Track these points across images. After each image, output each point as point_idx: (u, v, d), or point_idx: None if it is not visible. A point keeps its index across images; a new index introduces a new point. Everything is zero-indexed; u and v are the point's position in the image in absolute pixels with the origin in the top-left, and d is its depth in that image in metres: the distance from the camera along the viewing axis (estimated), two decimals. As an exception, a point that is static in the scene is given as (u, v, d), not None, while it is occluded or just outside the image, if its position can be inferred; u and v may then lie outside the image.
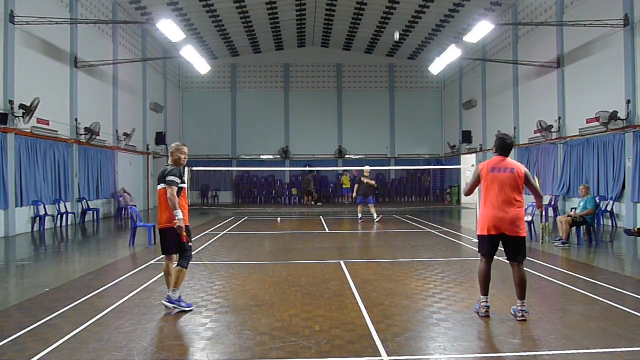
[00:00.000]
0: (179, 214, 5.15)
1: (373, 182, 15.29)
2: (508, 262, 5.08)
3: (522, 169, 5.02)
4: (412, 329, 4.64)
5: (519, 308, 4.87)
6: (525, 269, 4.77)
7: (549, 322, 4.85)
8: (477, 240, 5.18)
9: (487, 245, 5.01)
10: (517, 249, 4.95)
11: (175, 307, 5.15)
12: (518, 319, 4.83)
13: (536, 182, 5.16)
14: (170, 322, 4.91)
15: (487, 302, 5.03)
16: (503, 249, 5.05)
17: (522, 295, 4.90)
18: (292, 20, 24.45)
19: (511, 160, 5.09)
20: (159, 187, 5.39)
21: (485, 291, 5.03)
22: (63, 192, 15.06)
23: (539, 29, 17.81)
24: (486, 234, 4.97)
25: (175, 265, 5.33)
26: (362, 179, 15.04)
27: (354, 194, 15.62)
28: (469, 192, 5.27)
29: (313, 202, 26.01)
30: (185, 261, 5.31)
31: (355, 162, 28.27)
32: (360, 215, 15.40)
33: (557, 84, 16.58)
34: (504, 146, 5.10)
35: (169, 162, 5.53)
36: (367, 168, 15.29)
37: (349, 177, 24.82)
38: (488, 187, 4.97)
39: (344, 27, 25.22)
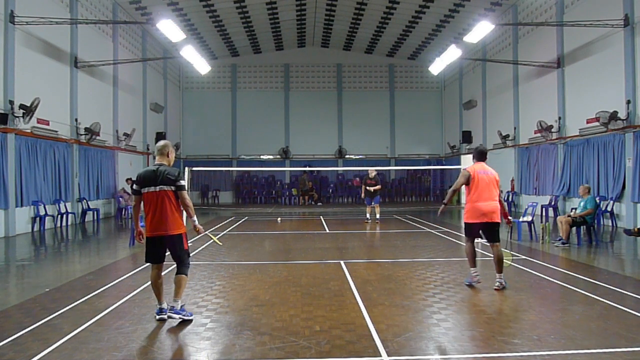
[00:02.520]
0: (196, 219, 5.05)
1: (378, 187, 15.04)
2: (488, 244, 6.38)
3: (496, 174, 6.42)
4: (412, 329, 4.64)
5: (497, 279, 6.12)
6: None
7: (549, 322, 4.86)
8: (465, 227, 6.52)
9: (475, 230, 6.36)
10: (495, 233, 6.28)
11: (180, 317, 4.86)
12: (495, 287, 6.06)
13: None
14: (170, 322, 4.90)
15: (477, 272, 6.29)
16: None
17: (499, 270, 6.14)
18: (292, 20, 24.45)
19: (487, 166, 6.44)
20: (162, 188, 4.86)
21: (473, 263, 6.35)
22: (63, 192, 15.05)
23: (539, 29, 17.80)
24: (477, 221, 6.22)
25: (177, 273, 5.00)
26: (368, 180, 14.98)
27: (362, 195, 15.45)
28: (454, 190, 6.48)
29: (313, 202, 26.03)
30: (187, 268, 5.05)
31: (355, 162, 28.29)
32: (368, 216, 15.29)
33: (557, 84, 16.58)
34: (482, 153, 6.48)
35: (162, 162, 5.04)
36: (372, 169, 15.26)
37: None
38: (477, 185, 6.18)
39: (344, 27, 25.21)
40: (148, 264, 5.21)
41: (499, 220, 6.23)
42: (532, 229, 11.07)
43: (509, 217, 6.64)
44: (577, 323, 4.77)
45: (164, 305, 4.93)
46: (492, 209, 6.15)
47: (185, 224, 5.16)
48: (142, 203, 5.04)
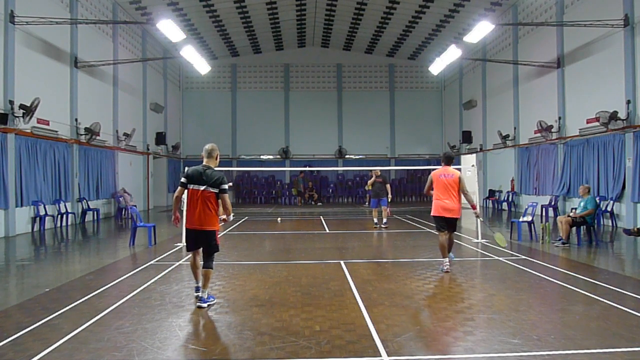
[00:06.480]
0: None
1: (388, 186, 13.73)
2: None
3: (458, 173, 7.42)
4: (412, 329, 4.64)
5: (450, 257, 7.57)
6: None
7: (549, 322, 4.86)
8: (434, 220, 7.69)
9: (439, 222, 7.47)
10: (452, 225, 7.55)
11: (208, 305, 5.44)
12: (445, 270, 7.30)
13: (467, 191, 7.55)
14: (170, 322, 4.91)
15: (448, 262, 7.33)
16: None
17: (450, 250, 7.61)
18: (292, 20, 24.45)
19: (452, 169, 7.51)
20: (210, 189, 5.43)
21: (444, 254, 7.39)
22: (63, 192, 15.04)
23: (539, 29, 17.80)
24: (438, 215, 7.40)
25: (203, 267, 5.58)
26: (375, 179, 13.67)
27: (367, 188, 14.02)
28: (427, 192, 7.67)
29: (313, 202, 26.05)
30: (212, 262, 5.66)
31: (355, 162, 28.30)
32: (375, 220, 13.78)
33: (557, 84, 16.58)
34: (447, 158, 7.62)
35: (210, 164, 5.59)
36: (376, 169, 13.93)
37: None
38: (437, 187, 7.40)
39: (344, 27, 25.21)
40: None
41: (456, 216, 7.43)
42: (532, 229, 11.07)
43: (476, 209, 8.18)
44: (577, 323, 4.78)
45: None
46: (449, 207, 7.31)
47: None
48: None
